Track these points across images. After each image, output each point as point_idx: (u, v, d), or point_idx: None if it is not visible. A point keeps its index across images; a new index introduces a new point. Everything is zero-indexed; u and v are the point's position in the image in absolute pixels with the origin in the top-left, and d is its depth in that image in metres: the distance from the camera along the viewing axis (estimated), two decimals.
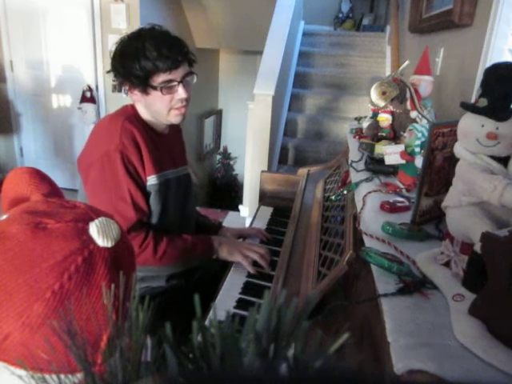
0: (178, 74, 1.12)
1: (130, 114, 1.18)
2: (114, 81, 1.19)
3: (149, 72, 1.09)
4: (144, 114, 1.20)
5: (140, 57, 1.08)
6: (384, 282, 0.66)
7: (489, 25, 1.45)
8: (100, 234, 0.45)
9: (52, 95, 3.82)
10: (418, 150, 1.08)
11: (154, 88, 1.11)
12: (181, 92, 1.13)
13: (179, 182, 1.27)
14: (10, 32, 3.66)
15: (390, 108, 1.39)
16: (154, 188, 1.16)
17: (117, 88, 1.21)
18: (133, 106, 1.21)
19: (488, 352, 0.49)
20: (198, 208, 1.55)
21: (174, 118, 1.18)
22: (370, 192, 1.07)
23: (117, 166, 1.09)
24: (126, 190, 1.10)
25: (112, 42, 1.21)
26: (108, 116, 1.21)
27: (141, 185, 1.14)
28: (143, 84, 1.11)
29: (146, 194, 1.15)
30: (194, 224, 1.43)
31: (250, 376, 0.23)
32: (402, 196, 1.05)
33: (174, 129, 1.31)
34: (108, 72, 1.18)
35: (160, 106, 1.14)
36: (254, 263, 1.24)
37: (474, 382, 0.45)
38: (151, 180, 1.15)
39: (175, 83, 1.12)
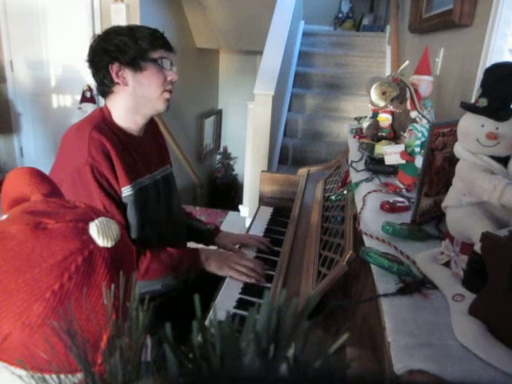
0: (171, 58, 1.15)
1: (98, 121, 1.11)
2: (96, 85, 1.15)
3: (146, 48, 1.09)
4: (120, 114, 1.15)
5: (136, 34, 1.08)
6: (384, 282, 0.66)
7: (489, 25, 1.45)
8: (100, 234, 0.45)
9: (52, 95, 3.82)
10: (418, 149, 1.08)
11: (153, 61, 1.10)
12: (173, 73, 1.14)
13: (157, 186, 1.22)
14: (10, 32, 3.66)
15: (390, 108, 1.39)
16: (129, 199, 1.11)
17: (97, 84, 1.15)
18: (103, 110, 1.16)
19: (488, 352, 0.49)
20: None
21: (162, 103, 1.15)
22: (369, 192, 1.07)
23: (88, 180, 1.04)
24: (100, 205, 1.05)
25: None
26: (74, 126, 1.13)
27: (115, 197, 1.09)
28: (140, 57, 1.09)
29: (122, 206, 1.11)
30: (185, 225, 1.40)
31: (250, 376, 0.23)
32: (402, 196, 1.05)
33: (150, 129, 1.26)
34: (88, 60, 1.12)
35: (154, 86, 1.12)
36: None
37: (474, 382, 0.45)
38: (126, 191, 1.10)
39: (169, 62, 1.14)
